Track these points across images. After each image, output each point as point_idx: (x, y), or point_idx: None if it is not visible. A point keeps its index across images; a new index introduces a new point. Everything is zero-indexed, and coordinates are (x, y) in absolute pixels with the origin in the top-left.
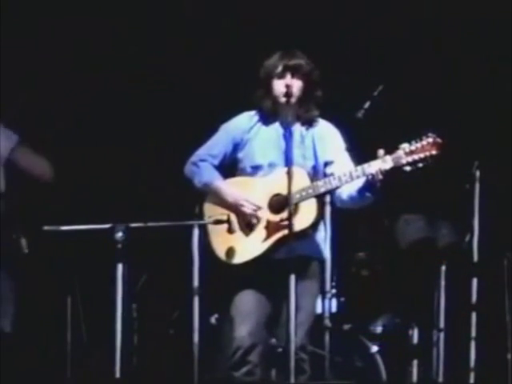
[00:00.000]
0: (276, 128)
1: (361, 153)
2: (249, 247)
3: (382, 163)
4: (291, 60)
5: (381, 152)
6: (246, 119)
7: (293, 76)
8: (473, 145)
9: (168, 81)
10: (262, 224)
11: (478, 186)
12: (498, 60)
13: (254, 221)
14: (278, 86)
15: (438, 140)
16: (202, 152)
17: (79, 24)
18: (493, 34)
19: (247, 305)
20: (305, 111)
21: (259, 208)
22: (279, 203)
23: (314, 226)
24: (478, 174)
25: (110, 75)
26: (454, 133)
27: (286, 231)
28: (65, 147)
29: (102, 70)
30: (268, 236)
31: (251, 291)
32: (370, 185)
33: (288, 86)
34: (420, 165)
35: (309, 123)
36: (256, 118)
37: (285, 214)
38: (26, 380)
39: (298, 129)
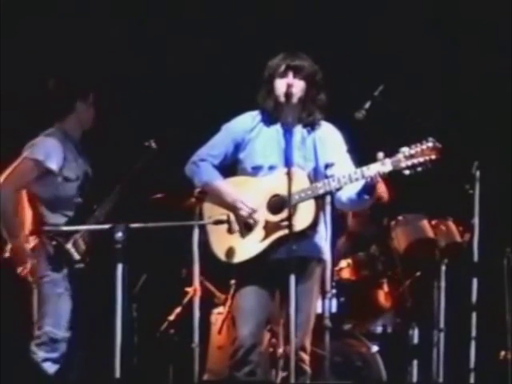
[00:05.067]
0: (277, 129)
1: (362, 154)
2: (247, 247)
3: (381, 166)
4: (294, 60)
5: (380, 155)
6: (248, 119)
7: (295, 76)
8: (473, 145)
9: (170, 80)
10: (261, 224)
11: (478, 186)
12: (498, 60)
13: (251, 221)
14: (280, 85)
15: (438, 145)
16: (202, 152)
17: (76, 22)
18: (493, 34)
19: (248, 305)
20: (307, 114)
21: (255, 211)
22: (278, 204)
23: (312, 227)
24: (478, 174)
25: (110, 76)
26: (455, 133)
27: (284, 231)
28: None
29: (102, 71)
30: (266, 236)
31: (252, 291)
32: (368, 187)
33: (289, 86)
34: (419, 169)
35: (311, 125)
36: (258, 118)
37: (283, 215)
38: (27, 380)
39: (299, 130)
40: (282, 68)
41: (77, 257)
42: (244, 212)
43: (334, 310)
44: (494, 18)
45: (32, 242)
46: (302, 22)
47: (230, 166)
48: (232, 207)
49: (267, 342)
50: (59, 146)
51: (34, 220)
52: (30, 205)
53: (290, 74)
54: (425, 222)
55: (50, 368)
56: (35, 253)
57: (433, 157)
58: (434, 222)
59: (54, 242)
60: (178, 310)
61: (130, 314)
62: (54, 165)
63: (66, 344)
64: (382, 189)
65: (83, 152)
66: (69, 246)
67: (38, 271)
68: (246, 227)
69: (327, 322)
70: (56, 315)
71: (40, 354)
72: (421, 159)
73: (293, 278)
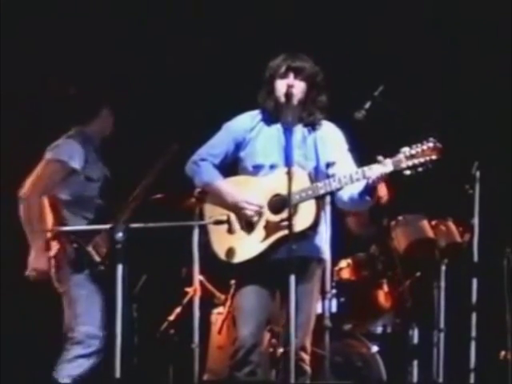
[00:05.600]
0: (278, 128)
1: (362, 154)
2: (248, 247)
3: (383, 166)
4: (295, 61)
5: (380, 158)
6: (249, 119)
7: (295, 77)
8: (473, 145)
9: (170, 80)
10: (261, 224)
11: (478, 186)
12: (498, 60)
13: (255, 219)
14: (280, 86)
15: (439, 145)
16: (203, 151)
17: (76, 22)
18: (493, 34)
19: (249, 305)
20: (308, 114)
21: (262, 207)
22: (279, 203)
23: (313, 227)
24: (478, 174)
25: (110, 76)
26: (455, 133)
27: (284, 231)
28: None
29: (101, 71)
30: (267, 236)
31: (252, 291)
32: (370, 188)
33: (289, 86)
34: (420, 169)
35: (312, 126)
36: (259, 117)
37: (284, 215)
38: (27, 380)
39: (300, 129)
40: (283, 69)
41: (97, 259)
42: (249, 211)
43: (334, 310)
44: (494, 18)
45: (54, 247)
46: (302, 23)
47: (231, 165)
48: (234, 207)
49: (267, 342)
50: (80, 148)
51: (55, 224)
52: (51, 209)
53: (291, 75)
54: (425, 223)
55: (84, 364)
56: (58, 258)
57: (433, 157)
58: (433, 222)
59: (74, 245)
60: (178, 309)
61: (130, 314)
62: (76, 164)
63: (100, 342)
64: (381, 189)
65: (102, 156)
66: (89, 248)
67: (61, 276)
68: (248, 226)
69: (327, 322)
70: (87, 314)
71: (72, 352)
72: (421, 159)
73: (293, 278)
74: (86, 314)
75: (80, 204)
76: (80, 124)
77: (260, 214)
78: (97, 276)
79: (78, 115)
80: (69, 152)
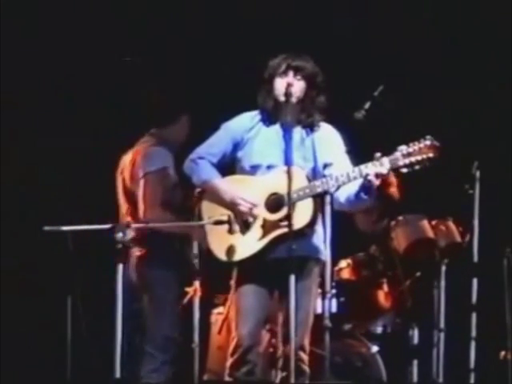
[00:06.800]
0: (276, 129)
1: (361, 154)
2: (245, 245)
3: (380, 165)
4: (295, 60)
5: (378, 155)
6: (248, 119)
7: (295, 76)
8: (473, 145)
9: (169, 79)
10: (259, 222)
11: (478, 186)
12: (498, 60)
13: (250, 219)
14: (280, 85)
15: (436, 143)
16: (201, 150)
17: (75, 22)
18: (493, 34)
19: (247, 304)
20: (306, 115)
21: (255, 206)
22: (276, 202)
23: (310, 226)
24: (478, 174)
25: (109, 76)
26: (454, 133)
27: (282, 230)
28: (65, 147)
29: (101, 71)
30: (264, 235)
31: (250, 290)
32: (366, 187)
33: (289, 85)
34: (417, 167)
35: (310, 127)
36: (257, 118)
37: (281, 214)
38: (27, 380)
39: (298, 131)
40: (283, 67)
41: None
42: (243, 207)
43: (333, 310)
44: (494, 18)
45: (137, 251)
46: (302, 23)
47: (229, 165)
48: (231, 204)
49: (267, 342)
50: (169, 153)
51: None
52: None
53: (291, 74)
54: (425, 222)
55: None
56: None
57: (431, 155)
58: (434, 222)
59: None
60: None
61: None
62: (171, 170)
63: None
64: (393, 188)
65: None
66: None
67: (149, 274)
68: (245, 225)
69: (327, 322)
70: (172, 316)
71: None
72: (418, 157)
73: (293, 278)
74: (171, 315)
75: (169, 210)
76: (158, 127)
77: (253, 215)
78: (181, 278)
79: (158, 118)
80: (163, 160)
